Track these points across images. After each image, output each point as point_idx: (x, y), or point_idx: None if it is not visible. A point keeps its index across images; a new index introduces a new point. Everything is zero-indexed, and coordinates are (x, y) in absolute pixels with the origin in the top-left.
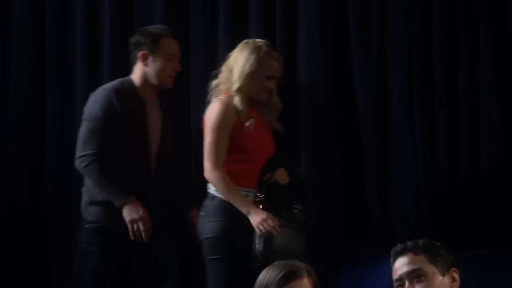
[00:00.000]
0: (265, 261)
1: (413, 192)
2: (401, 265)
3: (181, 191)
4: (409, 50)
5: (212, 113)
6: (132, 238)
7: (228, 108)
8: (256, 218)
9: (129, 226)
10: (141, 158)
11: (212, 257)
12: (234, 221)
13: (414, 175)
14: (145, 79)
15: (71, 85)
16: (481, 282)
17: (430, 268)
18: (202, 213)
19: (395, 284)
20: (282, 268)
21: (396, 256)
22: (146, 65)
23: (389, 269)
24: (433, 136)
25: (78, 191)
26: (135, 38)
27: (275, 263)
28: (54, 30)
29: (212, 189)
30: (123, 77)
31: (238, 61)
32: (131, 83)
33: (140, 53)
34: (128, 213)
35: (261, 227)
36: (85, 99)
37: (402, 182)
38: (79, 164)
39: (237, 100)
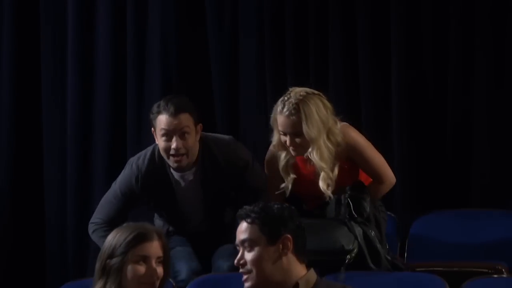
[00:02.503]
0: None
1: None
2: (238, 232)
3: None
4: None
5: None
6: None
7: None
8: None
9: None
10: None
11: None
12: None
13: None
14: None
15: None
16: None
17: (259, 238)
18: None
19: (237, 246)
20: (132, 230)
21: (238, 220)
22: (157, 142)
23: None
24: None
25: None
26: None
27: (124, 224)
28: None
29: None
30: None
31: None
32: (160, 159)
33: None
34: None
35: None
36: None
37: None
38: (88, 229)
39: None
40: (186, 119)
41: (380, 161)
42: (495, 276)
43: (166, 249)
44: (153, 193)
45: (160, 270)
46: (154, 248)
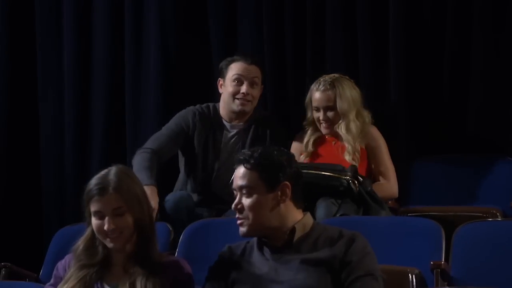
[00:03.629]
0: None
1: None
2: (236, 176)
3: None
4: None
5: None
6: None
7: None
8: None
9: None
10: (204, 175)
11: None
12: None
13: None
14: (224, 104)
15: None
16: None
17: (258, 184)
18: None
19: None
20: (92, 182)
21: (235, 164)
22: (221, 91)
23: None
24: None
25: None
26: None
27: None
28: None
29: None
30: None
31: None
32: (215, 109)
33: (218, 80)
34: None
35: None
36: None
37: None
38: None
39: None
40: (258, 71)
41: (390, 164)
42: (490, 219)
43: (127, 197)
44: (201, 135)
45: (121, 221)
46: (107, 201)
